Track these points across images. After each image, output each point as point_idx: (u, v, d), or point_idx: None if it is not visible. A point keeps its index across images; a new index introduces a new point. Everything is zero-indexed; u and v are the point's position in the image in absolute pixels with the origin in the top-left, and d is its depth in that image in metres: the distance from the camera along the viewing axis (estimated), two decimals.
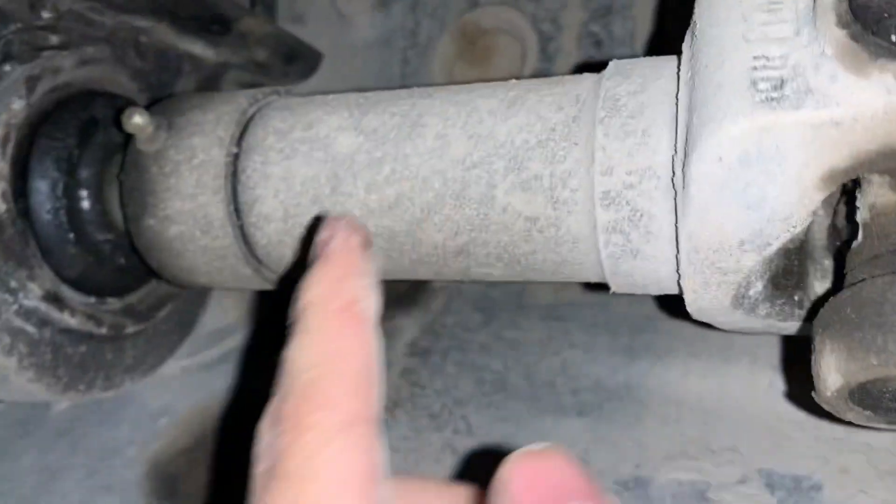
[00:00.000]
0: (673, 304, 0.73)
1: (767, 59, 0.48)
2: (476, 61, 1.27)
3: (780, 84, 0.47)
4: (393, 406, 0.86)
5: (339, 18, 1.30)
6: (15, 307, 0.72)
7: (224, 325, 1.03)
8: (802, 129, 0.46)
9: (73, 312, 0.76)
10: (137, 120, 0.67)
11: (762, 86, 0.47)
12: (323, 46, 1.30)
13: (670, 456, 0.73)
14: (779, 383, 0.78)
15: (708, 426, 0.76)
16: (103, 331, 0.79)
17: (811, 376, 0.47)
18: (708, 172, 0.49)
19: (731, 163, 0.48)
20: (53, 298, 0.74)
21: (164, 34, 0.90)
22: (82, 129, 0.77)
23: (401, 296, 1.04)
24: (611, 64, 0.61)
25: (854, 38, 0.45)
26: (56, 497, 0.82)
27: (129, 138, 0.74)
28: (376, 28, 1.28)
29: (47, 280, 0.74)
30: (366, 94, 0.70)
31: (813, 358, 0.47)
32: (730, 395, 0.79)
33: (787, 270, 0.54)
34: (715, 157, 0.48)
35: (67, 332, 0.77)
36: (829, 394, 0.45)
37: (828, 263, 0.57)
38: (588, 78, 0.62)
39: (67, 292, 0.77)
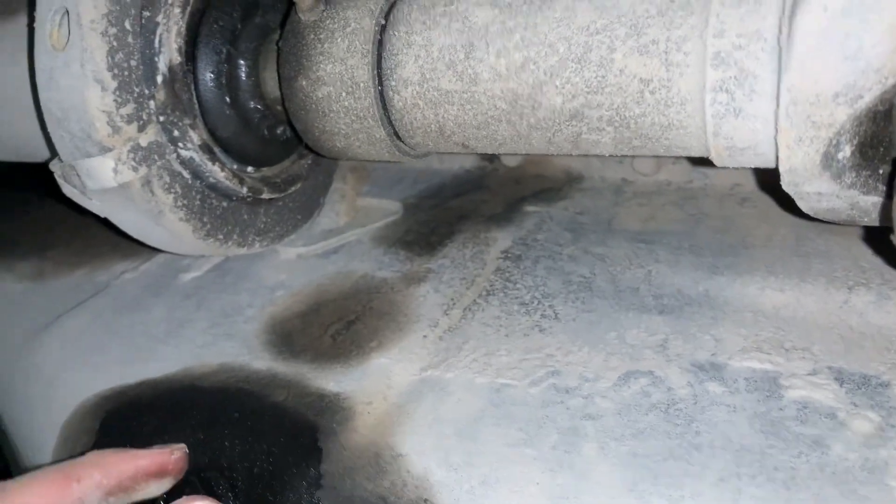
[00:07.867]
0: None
1: None
2: None
3: None
4: (486, 294, 0.94)
5: None
6: (175, 154, 0.83)
7: (336, 226, 1.13)
8: None
9: (222, 166, 0.86)
10: None
11: None
12: None
13: (745, 350, 0.79)
14: (853, 301, 0.83)
15: (782, 330, 0.81)
16: (244, 191, 0.90)
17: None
18: (812, 22, 0.56)
19: (834, 11, 0.55)
20: (207, 150, 0.85)
21: None
22: (245, 9, 0.89)
23: (496, 215, 1.12)
24: None
25: None
26: (183, 340, 0.92)
27: (286, 16, 0.85)
28: None
29: (204, 133, 0.85)
30: None
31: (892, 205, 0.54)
32: (805, 308, 0.84)
33: (874, 139, 0.61)
34: (821, 6, 0.56)
35: (214, 187, 0.88)
36: None
37: None
38: None
39: (218, 151, 0.88)
